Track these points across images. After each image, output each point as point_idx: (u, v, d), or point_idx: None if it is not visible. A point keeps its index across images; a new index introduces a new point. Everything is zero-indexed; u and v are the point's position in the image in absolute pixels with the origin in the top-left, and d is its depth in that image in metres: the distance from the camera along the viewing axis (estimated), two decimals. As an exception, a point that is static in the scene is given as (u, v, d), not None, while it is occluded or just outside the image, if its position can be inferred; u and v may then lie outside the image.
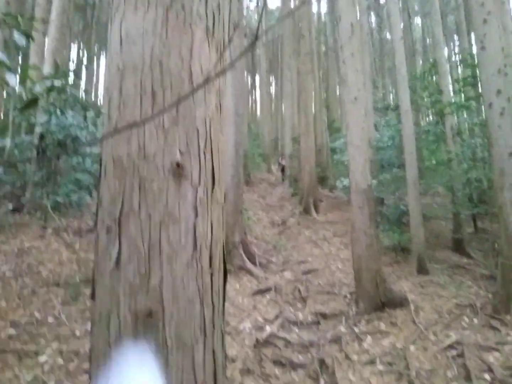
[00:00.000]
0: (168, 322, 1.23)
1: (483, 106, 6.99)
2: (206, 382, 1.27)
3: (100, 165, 1.40)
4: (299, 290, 7.72)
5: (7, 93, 9.81)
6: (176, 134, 1.31)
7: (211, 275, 1.34)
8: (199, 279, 1.29)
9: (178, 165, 1.28)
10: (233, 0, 9.87)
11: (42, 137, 8.39)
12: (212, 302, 1.34)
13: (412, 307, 6.28)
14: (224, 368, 1.39)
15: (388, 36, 26.81)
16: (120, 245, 1.26)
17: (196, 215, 1.32)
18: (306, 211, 13.61)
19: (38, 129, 8.46)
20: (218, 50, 1.43)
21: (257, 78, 40.57)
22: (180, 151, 1.30)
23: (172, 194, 1.28)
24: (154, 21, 1.35)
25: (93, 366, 1.29)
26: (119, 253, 1.26)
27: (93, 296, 1.33)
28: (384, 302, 6.38)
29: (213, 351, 1.32)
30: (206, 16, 1.42)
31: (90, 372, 1.31)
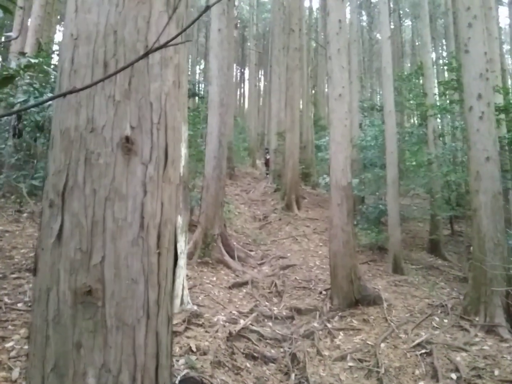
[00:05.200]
0: (109, 301, 1.18)
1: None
2: (146, 364, 1.23)
3: (49, 137, 1.34)
4: (276, 285, 7.73)
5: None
6: (127, 108, 1.25)
7: (159, 255, 1.29)
8: (144, 258, 1.25)
9: (127, 139, 1.23)
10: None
11: (19, 118, 8.14)
12: (159, 283, 1.29)
13: (385, 305, 6.34)
14: (169, 352, 1.35)
15: (378, 36, 26.95)
16: (63, 220, 1.21)
17: (145, 193, 1.27)
18: (288, 207, 13.63)
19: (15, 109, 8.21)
20: (179, 25, 1.37)
21: (247, 71, 40.32)
22: (131, 125, 1.25)
23: (120, 169, 1.23)
24: (111, -11, 1.29)
25: (31, 343, 1.24)
26: (61, 228, 1.20)
27: (35, 272, 1.27)
28: (358, 299, 6.43)
29: (157, 333, 1.27)
30: None
31: (28, 349, 1.25)
